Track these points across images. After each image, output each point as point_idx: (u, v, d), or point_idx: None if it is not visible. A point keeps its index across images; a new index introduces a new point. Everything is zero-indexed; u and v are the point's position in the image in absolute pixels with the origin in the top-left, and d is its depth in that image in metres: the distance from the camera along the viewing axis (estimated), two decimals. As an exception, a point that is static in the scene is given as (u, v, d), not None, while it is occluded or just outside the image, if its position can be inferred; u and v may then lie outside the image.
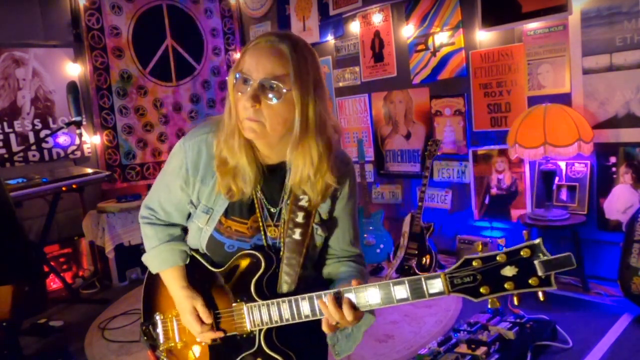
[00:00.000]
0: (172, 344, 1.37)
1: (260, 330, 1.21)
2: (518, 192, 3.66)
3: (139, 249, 4.07)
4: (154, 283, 1.43)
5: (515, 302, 0.96)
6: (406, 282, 1.02)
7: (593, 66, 3.19)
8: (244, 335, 1.24)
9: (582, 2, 3.17)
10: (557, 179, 3.34)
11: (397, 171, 4.44)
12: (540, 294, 0.95)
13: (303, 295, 1.14)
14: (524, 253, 0.93)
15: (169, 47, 4.97)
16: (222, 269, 1.28)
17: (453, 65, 3.89)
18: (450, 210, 4.09)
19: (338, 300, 1.08)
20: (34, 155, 4.22)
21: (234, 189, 1.19)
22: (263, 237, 1.25)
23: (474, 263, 0.97)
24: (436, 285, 1.00)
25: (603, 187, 3.26)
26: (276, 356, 1.20)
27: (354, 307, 1.07)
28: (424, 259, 3.65)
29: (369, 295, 1.06)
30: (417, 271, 3.62)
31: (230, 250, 1.27)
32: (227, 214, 1.25)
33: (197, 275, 1.32)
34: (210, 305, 1.28)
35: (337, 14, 4.58)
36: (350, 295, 1.07)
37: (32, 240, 3.73)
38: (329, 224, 1.28)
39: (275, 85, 1.07)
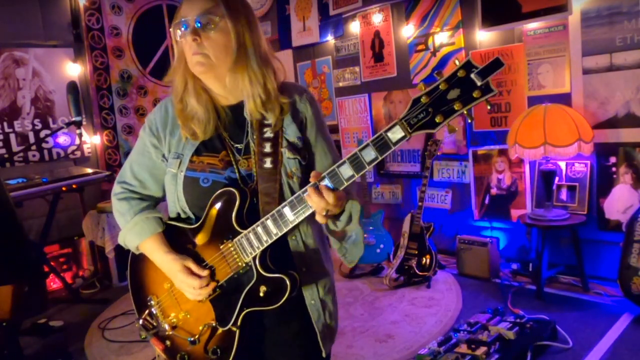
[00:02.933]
0: (174, 318, 1.36)
1: (254, 259, 1.22)
2: (518, 192, 3.66)
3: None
4: (137, 273, 1.44)
5: (469, 120, 1.07)
6: (370, 143, 1.07)
7: (593, 66, 3.19)
8: (241, 272, 1.25)
9: (582, 2, 3.17)
10: (557, 179, 3.34)
11: (397, 171, 4.44)
12: (486, 104, 1.03)
13: (283, 204, 1.18)
14: (460, 73, 1.00)
15: (169, 47, 4.97)
16: (199, 222, 1.29)
17: (453, 65, 3.88)
18: (450, 210, 4.09)
19: (317, 189, 1.11)
20: (34, 155, 4.22)
21: (196, 129, 1.28)
22: (236, 169, 1.29)
23: (422, 100, 1.04)
24: (396, 131, 1.05)
25: (603, 187, 3.27)
26: (278, 276, 1.21)
27: (332, 190, 1.12)
28: (424, 259, 3.65)
29: (342, 171, 1.10)
30: (417, 271, 3.62)
31: (205, 184, 1.29)
32: (197, 153, 1.31)
33: (176, 239, 1.34)
34: (200, 261, 1.29)
35: (337, 14, 4.58)
36: (325, 181, 1.12)
37: (32, 240, 3.73)
38: (303, 151, 1.32)
39: (209, 18, 1.19)
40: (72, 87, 3.58)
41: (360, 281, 3.83)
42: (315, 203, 1.12)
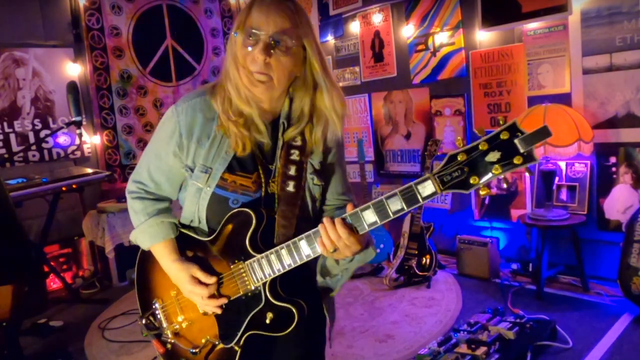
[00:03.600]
0: (177, 326, 1.35)
1: (264, 284, 1.20)
2: (518, 192, 3.66)
3: (138, 249, 4.05)
4: (145, 272, 1.42)
5: (504, 185, 1.00)
6: (398, 193, 1.04)
7: (593, 66, 3.19)
8: (249, 294, 1.23)
9: (582, 2, 3.17)
10: (557, 179, 3.34)
11: (397, 171, 4.44)
12: (527, 171, 0.99)
13: (300, 236, 1.15)
14: (503, 136, 0.95)
15: (169, 47, 4.97)
16: (212, 236, 1.27)
17: (453, 65, 3.89)
18: (450, 210, 4.09)
19: (333, 222, 1.09)
20: (34, 155, 4.22)
21: (247, 141, 1.21)
22: (263, 192, 1.25)
23: (458, 157, 0.98)
24: (427, 187, 1.01)
25: (603, 187, 3.26)
26: (286, 305, 1.20)
27: (350, 228, 1.08)
28: (424, 259, 3.65)
29: (365, 216, 1.07)
30: (417, 271, 3.62)
31: (234, 205, 1.25)
32: (229, 170, 1.24)
33: (188, 248, 1.32)
34: (209, 273, 1.27)
35: (337, 14, 4.58)
36: (347, 219, 1.09)
37: (32, 240, 3.73)
38: (323, 174, 1.30)
39: (284, 40, 1.14)
40: (72, 87, 3.58)
41: (360, 281, 3.83)
42: (326, 234, 1.09)
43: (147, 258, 1.41)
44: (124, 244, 4.10)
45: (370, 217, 1.07)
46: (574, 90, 3.29)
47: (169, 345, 1.37)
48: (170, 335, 1.36)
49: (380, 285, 3.69)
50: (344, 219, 1.09)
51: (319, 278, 1.30)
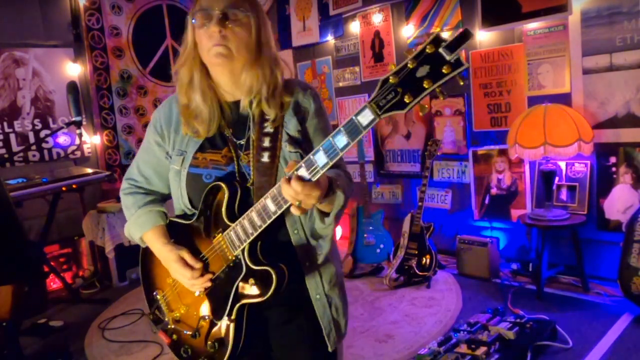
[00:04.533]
0: (177, 313, 1.39)
1: (243, 252, 1.23)
2: (518, 192, 3.66)
3: (138, 249, 4.04)
4: (147, 268, 1.47)
5: (441, 98, 0.98)
6: (341, 129, 1.04)
7: (593, 66, 3.19)
8: (231, 265, 1.27)
9: (582, 2, 3.17)
10: (557, 179, 3.34)
11: (397, 171, 4.44)
12: (459, 79, 0.96)
13: (265, 195, 1.17)
14: (429, 49, 0.94)
15: (169, 47, 4.97)
16: (195, 217, 1.32)
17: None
18: (450, 210, 4.09)
19: (287, 179, 1.09)
20: (34, 155, 4.22)
21: (198, 127, 1.30)
22: (235, 164, 1.30)
23: (390, 80, 0.98)
24: (366, 115, 1.01)
25: (603, 187, 3.26)
26: (265, 268, 1.21)
27: (303, 180, 1.08)
28: (424, 259, 3.65)
29: (317, 160, 1.07)
30: (417, 271, 3.62)
31: (207, 180, 1.30)
32: (201, 149, 1.32)
33: (177, 234, 1.37)
34: (197, 254, 1.32)
35: (337, 14, 4.58)
36: (301, 170, 1.09)
37: (32, 240, 3.73)
38: (304, 144, 1.31)
39: (234, 12, 1.22)
40: (72, 87, 3.58)
41: (360, 281, 3.83)
42: (287, 193, 1.10)
43: (147, 254, 1.46)
44: (124, 244, 4.10)
45: (322, 159, 1.07)
46: (574, 90, 3.29)
47: (174, 336, 1.40)
48: (171, 323, 1.40)
49: (380, 285, 3.69)
50: (297, 170, 1.10)
51: (312, 241, 1.33)
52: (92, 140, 4.57)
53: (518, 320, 2.70)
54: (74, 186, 3.70)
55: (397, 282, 3.69)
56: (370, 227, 4.02)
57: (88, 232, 4.21)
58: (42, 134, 4.23)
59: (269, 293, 1.21)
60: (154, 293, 1.45)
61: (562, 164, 3.39)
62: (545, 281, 3.27)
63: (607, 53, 3.12)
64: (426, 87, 0.95)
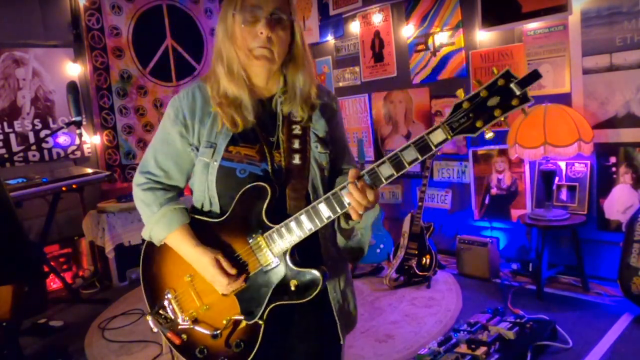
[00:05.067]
0: (194, 313, 1.34)
1: (284, 254, 1.23)
2: (518, 192, 3.66)
3: (139, 249, 4.01)
4: (152, 267, 1.41)
5: (505, 126, 1.13)
6: (411, 145, 1.12)
7: (593, 66, 3.19)
8: (269, 266, 1.25)
9: (582, 2, 3.17)
10: (557, 179, 3.35)
11: (397, 171, 4.43)
12: (523, 112, 1.09)
13: (318, 200, 1.20)
14: (500, 82, 1.07)
15: (169, 47, 4.97)
16: (226, 216, 1.29)
17: (453, 65, 3.89)
18: (450, 210, 4.10)
19: (359, 187, 1.14)
20: (34, 155, 4.22)
21: (237, 119, 1.28)
22: (269, 162, 1.29)
23: (463, 105, 1.09)
24: (438, 135, 1.11)
25: (603, 187, 3.27)
26: (309, 270, 1.22)
27: (371, 187, 1.15)
28: (424, 259, 3.65)
29: (382, 171, 1.14)
30: (417, 271, 3.62)
31: (241, 175, 1.28)
32: (233, 142, 1.30)
33: (202, 234, 1.31)
34: (228, 255, 1.28)
35: (337, 14, 4.58)
36: (365, 178, 1.15)
37: (32, 240, 3.73)
38: (330, 144, 1.35)
39: (281, 15, 1.24)
40: (72, 87, 3.58)
41: (360, 281, 3.83)
42: (356, 200, 1.14)
43: (152, 252, 1.40)
44: (124, 244, 4.10)
45: (387, 171, 1.14)
46: (574, 90, 3.29)
47: (184, 336, 1.35)
48: (188, 323, 1.34)
49: (380, 285, 3.69)
50: (364, 181, 1.15)
51: (341, 243, 1.35)
52: (92, 140, 4.57)
53: (518, 320, 2.70)
54: (74, 186, 3.69)
55: (397, 282, 3.69)
56: (370, 227, 4.02)
57: (88, 232, 4.21)
58: (42, 134, 4.23)
59: (313, 295, 1.22)
60: (165, 292, 1.38)
61: (562, 164, 3.39)
62: (545, 281, 3.27)
63: (607, 53, 3.12)
64: (496, 115, 1.08)
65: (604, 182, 3.26)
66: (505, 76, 1.06)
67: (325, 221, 1.19)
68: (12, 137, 4.13)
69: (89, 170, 3.92)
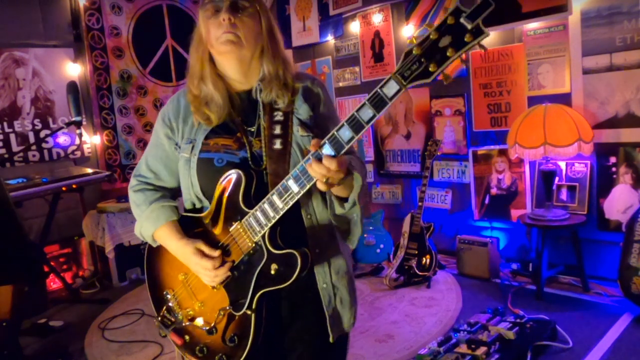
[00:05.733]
0: (191, 310, 1.36)
1: (263, 237, 1.22)
2: (518, 192, 3.66)
3: (139, 249, 4.07)
4: (153, 269, 1.44)
5: (464, 66, 1.03)
6: (366, 102, 1.06)
7: (593, 66, 3.19)
8: (252, 252, 1.25)
9: (582, 2, 3.17)
10: (557, 179, 3.34)
11: (397, 171, 4.44)
12: (480, 47, 1.00)
13: (286, 177, 1.18)
14: (450, 20, 0.98)
15: (169, 47, 4.97)
16: (209, 209, 1.31)
17: (453, 65, 3.88)
18: (450, 210, 4.09)
19: (318, 157, 1.10)
20: (34, 155, 4.22)
21: (210, 114, 1.31)
22: (248, 149, 1.30)
23: (414, 51, 1.02)
24: (391, 86, 1.04)
25: (603, 187, 3.26)
26: (288, 251, 1.21)
27: (333, 157, 1.10)
28: (424, 259, 3.65)
29: (342, 134, 1.09)
30: (417, 271, 3.62)
31: (219, 164, 1.30)
32: (211, 135, 1.33)
33: (191, 228, 1.35)
34: (213, 245, 1.30)
35: (337, 14, 4.58)
36: (326, 148, 1.11)
37: (32, 240, 3.73)
38: (315, 129, 1.33)
39: (244, 3, 1.27)
40: (72, 87, 3.58)
41: (360, 281, 3.83)
42: (317, 171, 1.11)
43: (153, 256, 1.44)
44: (124, 244, 4.10)
45: (346, 133, 1.09)
46: (574, 90, 3.29)
47: (186, 336, 1.37)
48: (185, 321, 1.37)
49: (380, 285, 3.69)
50: (322, 147, 1.11)
51: (340, 224, 1.34)
52: (92, 140, 4.57)
53: (518, 320, 2.70)
54: (74, 186, 3.70)
55: (397, 282, 3.69)
56: (370, 227, 4.02)
57: (88, 232, 4.21)
58: (42, 134, 4.23)
59: (293, 277, 1.20)
60: (164, 292, 1.41)
61: (562, 164, 3.39)
62: (545, 281, 3.27)
63: (607, 53, 3.12)
64: (449, 55, 0.99)
65: (604, 182, 3.26)
66: (454, 13, 0.98)
67: (297, 197, 1.17)
68: (12, 137, 4.13)
69: (89, 170, 3.92)
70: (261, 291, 1.24)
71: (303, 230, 1.31)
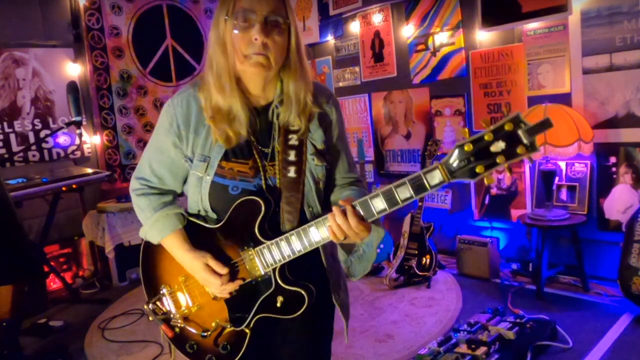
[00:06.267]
0: (186, 311, 1.37)
1: (274, 270, 1.23)
2: (518, 192, 3.66)
3: (139, 249, 4.04)
4: (150, 259, 1.44)
5: (508, 174, 1.03)
6: (407, 181, 1.06)
7: (593, 66, 3.19)
8: (259, 279, 1.26)
9: (582, 2, 3.17)
10: (557, 179, 3.34)
11: (397, 171, 4.44)
12: (530, 159, 1.00)
13: (310, 223, 1.18)
14: (508, 127, 0.97)
15: (169, 47, 4.97)
16: (221, 223, 1.28)
17: (453, 65, 3.89)
18: (450, 210, 4.09)
19: (344, 211, 1.11)
20: (34, 155, 4.22)
21: (231, 134, 1.23)
22: (262, 177, 1.26)
23: (465, 148, 1.02)
24: (435, 176, 1.05)
25: (603, 187, 3.26)
26: (295, 289, 1.23)
27: (359, 217, 1.11)
28: (424, 259, 3.65)
29: (374, 203, 1.10)
30: (417, 271, 3.62)
31: (234, 192, 1.27)
32: (226, 158, 1.27)
33: (197, 237, 1.33)
34: (220, 260, 1.29)
35: (337, 14, 4.58)
36: (357, 208, 1.11)
37: (32, 240, 3.73)
38: (327, 155, 1.31)
39: (276, 19, 1.16)
40: (72, 87, 3.58)
41: (360, 281, 3.83)
42: (336, 223, 1.11)
43: (151, 248, 1.43)
44: (124, 244, 4.10)
45: (379, 204, 1.10)
46: (574, 90, 3.29)
47: (177, 330, 1.39)
48: (179, 320, 1.38)
49: (380, 285, 3.69)
50: (353, 207, 1.11)
51: (342, 257, 1.35)
52: (92, 140, 4.57)
53: (518, 320, 2.70)
54: (74, 186, 3.70)
55: (397, 282, 3.69)
56: (370, 227, 4.02)
57: (88, 232, 4.21)
58: (42, 134, 4.23)
59: (297, 313, 1.23)
60: (160, 287, 1.41)
61: (562, 164, 3.39)
62: (545, 281, 3.27)
63: (607, 53, 3.12)
64: (499, 162, 0.99)
65: (604, 182, 3.26)
66: (514, 120, 0.97)
67: (315, 245, 1.18)
68: (12, 137, 4.13)
69: (89, 170, 3.92)
70: (262, 315, 1.26)
71: (321, 264, 1.32)
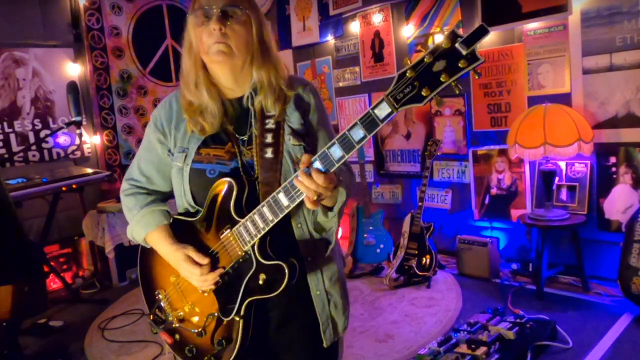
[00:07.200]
0: (181, 312, 1.38)
1: (253, 247, 1.23)
2: (518, 192, 3.66)
3: (138, 249, 4.05)
4: (146, 268, 1.46)
5: (456, 91, 1.02)
6: (358, 122, 1.06)
7: (593, 66, 3.19)
8: (241, 261, 1.26)
9: (582, 2, 3.17)
10: (557, 179, 3.34)
11: (397, 171, 4.44)
12: (473, 73, 1.01)
13: (277, 189, 1.18)
14: (445, 44, 0.97)
15: (169, 47, 4.97)
16: (201, 214, 1.31)
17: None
18: (450, 210, 4.09)
19: (307, 172, 1.11)
20: (34, 155, 4.22)
21: (204, 124, 1.30)
22: (239, 159, 1.30)
23: (407, 74, 1.01)
24: (383, 108, 1.04)
25: (603, 187, 3.26)
26: (276, 262, 1.22)
27: (323, 173, 1.10)
28: (424, 259, 3.65)
29: (332, 153, 1.09)
30: (417, 271, 3.62)
31: (211, 175, 1.30)
32: (204, 145, 1.33)
33: (182, 232, 1.36)
34: (203, 250, 1.30)
35: (337, 14, 4.58)
36: (316, 164, 1.11)
37: (32, 240, 3.73)
38: (306, 137, 1.33)
39: (233, 10, 1.23)
40: (72, 87, 3.58)
41: (360, 281, 3.83)
42: (306, 186, 1.11)
43: (146, 254, 1.45)
44: (124, 244, 4.10)
45: (337, 152, 1.09)
46: (574, 90, 3.29)
47: (176, 335, 1.39)
48: (175, 322, 1.39)
49: (380, 285, 3.69)
50: (312, 164, 1.11)
51: (315, 235, 1.33)
52: (92, 140, 4.57)
53: (518, 320, 2.70)
54: (74, 186, 3.70)
55: (397, 282, 3.69)
56: (370, 227, 4.02)
57: (88, 232, 4.21)
58: (42, 134, 4.23)
59: (281, 288, 1.21)
60: (156, 292, 1.44)
61: (562, 164, 3.39)
62: (545, 281, 3.27)
63: (607, 53, 3.12)
64: (443, 80, 0.98)
65: (604, 182, 3.26)
66: (449, 37, 0.96)
67: (286, 210, 1.17)
68: (12, 137, 4.13)
69: (89, 170, 3.92)
70: (250, 299, 1.26)
71: (294, 239, 1.31)
